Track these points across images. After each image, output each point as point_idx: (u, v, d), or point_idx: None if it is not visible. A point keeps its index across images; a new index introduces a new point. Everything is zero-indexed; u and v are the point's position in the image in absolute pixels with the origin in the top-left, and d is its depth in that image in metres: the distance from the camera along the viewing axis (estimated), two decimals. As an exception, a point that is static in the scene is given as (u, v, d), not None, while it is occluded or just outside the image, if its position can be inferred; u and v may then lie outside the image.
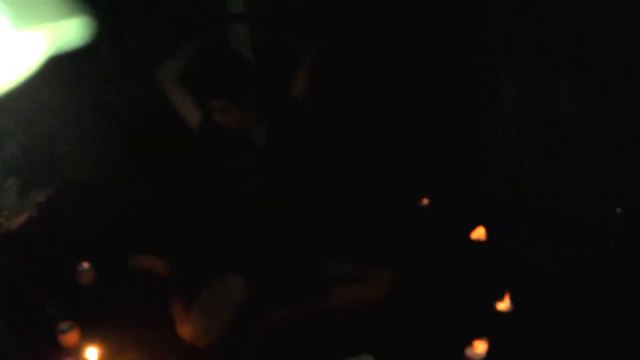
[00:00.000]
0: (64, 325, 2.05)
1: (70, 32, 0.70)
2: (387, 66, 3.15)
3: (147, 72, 2.23)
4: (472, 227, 2.71)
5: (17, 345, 1.64)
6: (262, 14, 3.06)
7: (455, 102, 3.11)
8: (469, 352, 1.93)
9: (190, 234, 2.64)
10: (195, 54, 2.22)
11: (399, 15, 3.07)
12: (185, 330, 2.01)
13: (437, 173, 3.15)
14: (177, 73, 2.19)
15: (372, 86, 3.20)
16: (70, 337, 2.04)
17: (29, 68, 0.71)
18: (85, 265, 2.43)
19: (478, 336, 1.96)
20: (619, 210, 2.60)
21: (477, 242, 2.67)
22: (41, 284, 2.25)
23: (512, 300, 2.18)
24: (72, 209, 2.56)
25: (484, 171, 3.09)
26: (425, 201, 3.01)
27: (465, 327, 2.08)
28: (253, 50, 3.06)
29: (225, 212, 2.37)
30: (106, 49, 2.80)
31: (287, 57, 2.32)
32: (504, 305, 2.17)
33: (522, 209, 2.90)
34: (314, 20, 2.97)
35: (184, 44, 2.23)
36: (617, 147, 2.64)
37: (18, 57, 0.67)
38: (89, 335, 2.06)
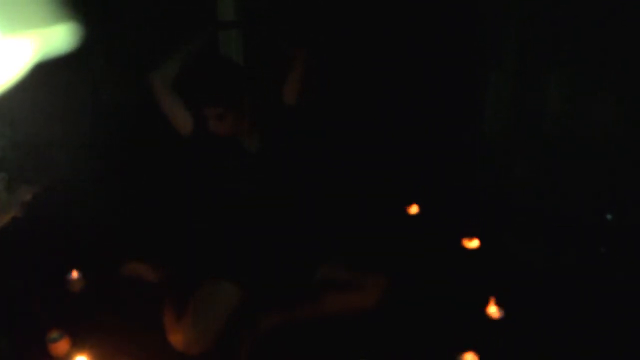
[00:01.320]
0: (54, 334, 2.03)
1: (58, 38, 0.69)
2: (378, 69, 3.17)
3: (139, 78, 2.22)
4: (465, 231, 2.71)
5: (9, 343, 1.62)
6: (253, 20, 3.07)
7: (446, 104, 3.12)
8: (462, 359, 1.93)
9: (181, 240, 2.63)
10: (186, 61, 2.21)
11: (389, 17, 3.08)
12: (177, 338, 2.00)
13: (429, 176, 3.16)
14: (169, 79, 2.18)
15: (364, 89, 3.21)
16: (61, 346, 2.02)
17: (17, 74, 0.69)
18: (76, 273, 2.41)
19: (471, 343, 1.97)
20: (609, 216, 2.61)
21: (470, 248, 2.67)
22: (31, 292, 2.23)
23: (505, 305, 2.19)
24: (61, 210, 2.53)
25: (476, 173, 3.10)
26: (415, 210, 3.01)
27: (458, 334, 2.08)
28: (244, 56, 3.07)
29: (217, 218, 2.36)
30: (99, 55, 2.79)
31: (278, 62, 2.32)
32: (493, 311, 2.18)
33: (514, 210, 2.91)
34: (306, 23, 2.98)
35: (175, 50, 2.23)
36: (610, 147, 2.66)
37: (6, 63, 0.66)
38: (79, 344, 2.04)
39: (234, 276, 2.12)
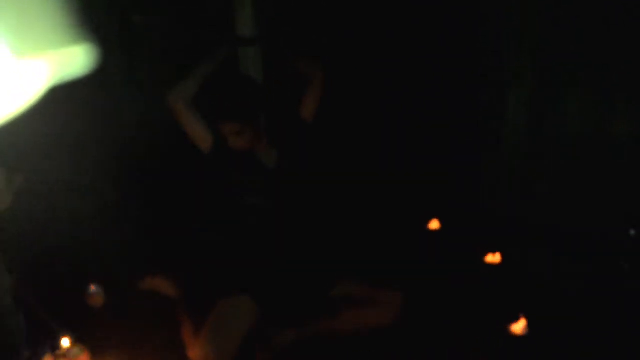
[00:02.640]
0: (74, 349, 2.04)
1: (76, 59, 0.67)
2: (399, 86, 3.17)
3: (160, 95, 2.25)
4: (485, 248, 2.69)
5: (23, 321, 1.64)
6: (272, 38, 3.10)
7: (465, 125, 3.11)
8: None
9: (199, 255, 2.64)
10: (206, 78, 2.23)
11: (410, 36, 3.10)
12: (196, 353, 2.00)
13: (448, 194, 3.14)
14: (189, 96, 2.20)
15: (383, 107, 3.21)
16: (80, 361, 2.03)
17: (31, 97, 0.68)
18: (96, 288, 2.43)
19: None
20: (632, 232, 2.57)
21: (490, 264, 2.65)
22: (50, 306, 2.25)
23: (528, 321, 2.15)
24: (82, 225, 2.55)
25: (493, 191, 3.07)
26: (435, 225, 2.99)
27: (479, 351, 2.06)
28: (263, 72, 3.09)
29: (234, 233, 2.37)
30: (120, 72, 2.83)
31: (296, 79, 2.33)
32: (519, 328, 2.14)
33: (533, 228, 2.87)
34: (323, 40, 3.00)
35: (195, 67, 2.25)
36: (631, 162, 2.62)
37: (19, 86, 0.65)
38: (98, 359, 2.05)
39: (251, 292, 2.13)
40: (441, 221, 3.00)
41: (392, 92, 3.19)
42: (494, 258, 2.65)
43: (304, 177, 2.29)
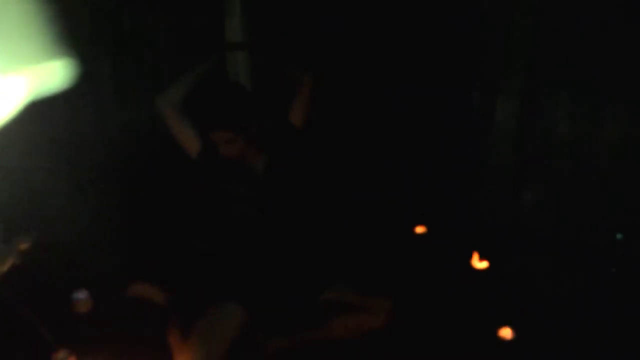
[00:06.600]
0: (60, 355, 2.02)
1: (56, 75, 0.67)
2: (386, 91, 3.18)
3: (148, 101, 2.24)
4: (472, 254, 2.69)
5: None
6: (261, 42, 3.10)
7: (453, 129, 3.12)
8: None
9: (188, 261, 2.62)
10: (195, 84, 2.23)
11: (398, 41, 3.11)
12: (183, 359, 1.99)
13: (436, 199, 3.15)
14: (177, 102, 2.20)
15: (370, 112, 3.22)
16: (67, 367, 2.01)
17: (12, 112, 0.68)
18: (82, 293, 2.41)
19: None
20: (619, 236, 2.59)
21: (477, 269, 2.66)
22: (37, 311, 2.23)
23: (514, 327, 2.16)
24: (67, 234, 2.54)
25: (482, 196, 3.08)
26: (422, 230, 3.00)
27: (467, 356, 2.06)
28: (252, 78, 3.09)
29: (224, 240, 2.36)
30: (108, 79, 2.81)
31: (285, 84, 2.33)
32: (506, 333, 2.15)
33: (522, 234, 2.89)
34: (312, 47, 3.01)
35: (184, 72, 2.25)
36: (617, 169, 2.64)
37: (3, 100, 0.65)
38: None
39: (240, 298, 2.12)
40: (430, 226, 3.01)
41: (382, 98, 3.20)
42: (481, 263, 2.66)
43: (293, 183, 2.29)
